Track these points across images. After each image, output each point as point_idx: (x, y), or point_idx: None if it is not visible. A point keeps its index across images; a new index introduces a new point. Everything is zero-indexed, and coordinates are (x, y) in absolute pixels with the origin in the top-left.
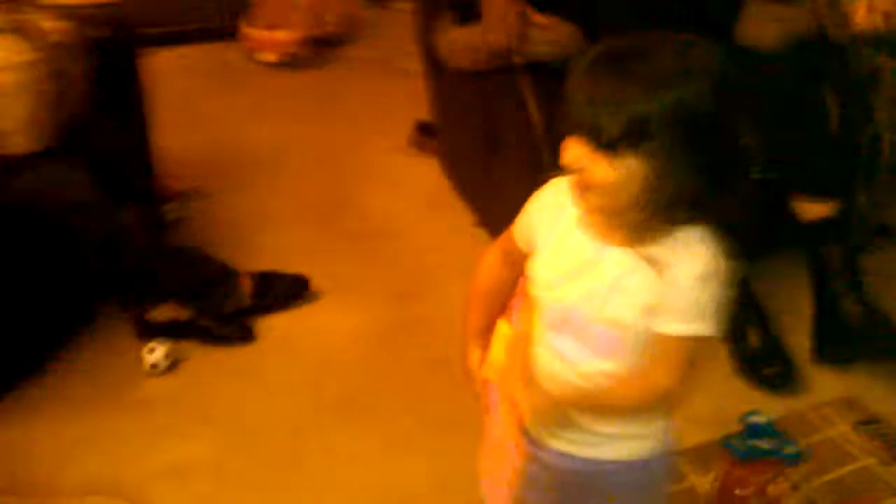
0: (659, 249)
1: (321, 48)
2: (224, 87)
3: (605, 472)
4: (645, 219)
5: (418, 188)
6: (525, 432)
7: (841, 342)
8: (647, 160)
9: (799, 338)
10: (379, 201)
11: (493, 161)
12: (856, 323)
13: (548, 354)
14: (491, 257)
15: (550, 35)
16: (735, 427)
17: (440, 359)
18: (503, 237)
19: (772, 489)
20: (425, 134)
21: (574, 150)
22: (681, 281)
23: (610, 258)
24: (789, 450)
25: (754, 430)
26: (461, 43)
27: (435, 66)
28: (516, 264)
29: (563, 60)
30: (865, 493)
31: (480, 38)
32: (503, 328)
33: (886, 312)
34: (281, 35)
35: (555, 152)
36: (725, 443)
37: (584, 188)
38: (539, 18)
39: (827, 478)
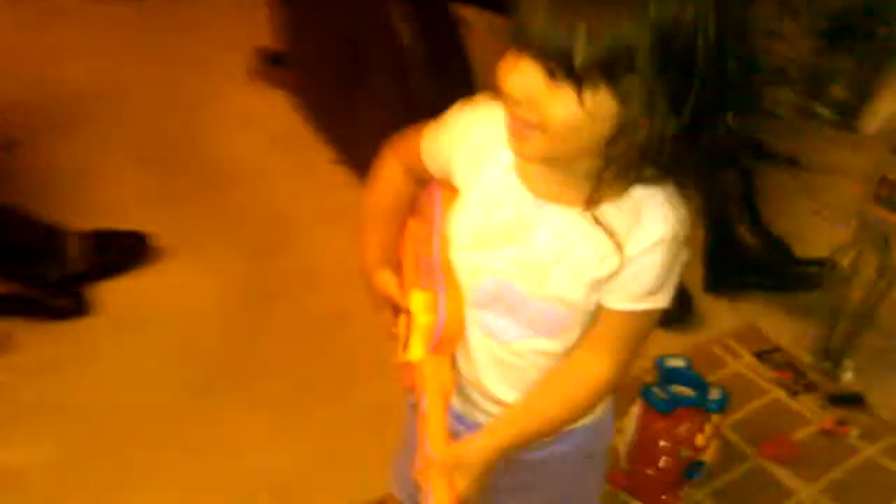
0: (613, 211)
1: None
2: (36, 20)
3: (547, 445)
4: (602, 173)
5: (267, 125)
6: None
7: (736, 271)
8: (624, 97)
9: (691, 268)
10: (224, 142)
11: (356, 86)
12: (752, 251)
13: (474, 331)
14: (389, 170)
15: None
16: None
17: (315, 316)
18: (404, 150)
19: (699, 439)
20: (271, 63)
21: (525, 77)
22: (639, 251)
23: (554, 220)
24: (714, 395)
25: (672, 376)
26: None
27: None
28: (420, 179)
29: None
30: (779, 427)
31: None
32: (415, 306)
33: (782, 239)
34: None
35: (429, 76)
36: (644, 393)
37: (529, 127)
38: None
39: (738, 415)
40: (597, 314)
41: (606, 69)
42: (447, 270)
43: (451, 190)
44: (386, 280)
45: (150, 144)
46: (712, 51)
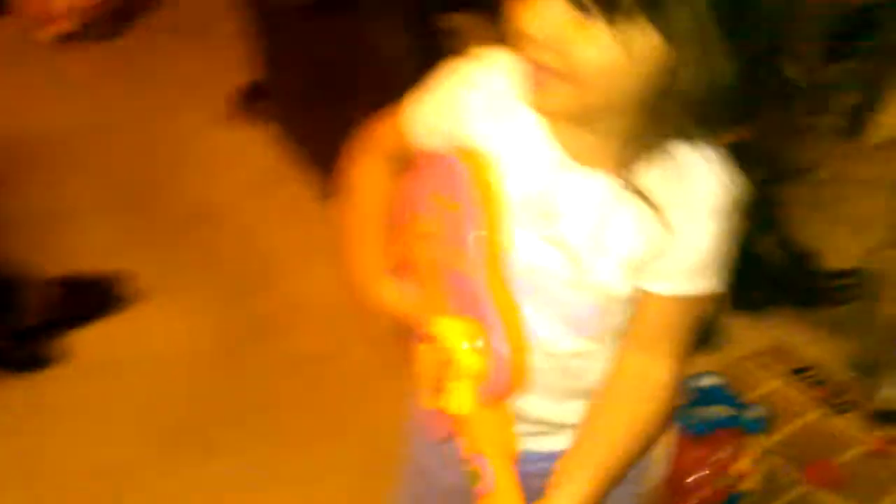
0: (654, 175)
1: (116, 17)
2: (4, 63)
3: None
4: (640, 130)
5: (249, 162)
6: None
7: (761, 287)
8: (672, 35)
9: None
10: (203, 182)
11: (345, 113)
12: (776, 265)
13: None
14: (369, 167)
15: None
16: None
17: (298, 361)
18: (383, 139)
19: (740, 464)
20: (252, 98)
21: (551, 14)
22: (688, 221)
23: (586, 187)
24: (753, 413)
25: (705, 397)
26: None
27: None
28: (406, 166)
29: None
30: (824, 449)
31: None
32: (454, 331)
33: (807, 251)
34: (63, 3)
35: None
36: (677, 417)
37: (555, 76)
38: None
39: (777, 438)
40: (640, 305)
41: (653, 6)
42: (499, 289)
43: (475, 159)
44: (396, 293)
45: (125, 186)
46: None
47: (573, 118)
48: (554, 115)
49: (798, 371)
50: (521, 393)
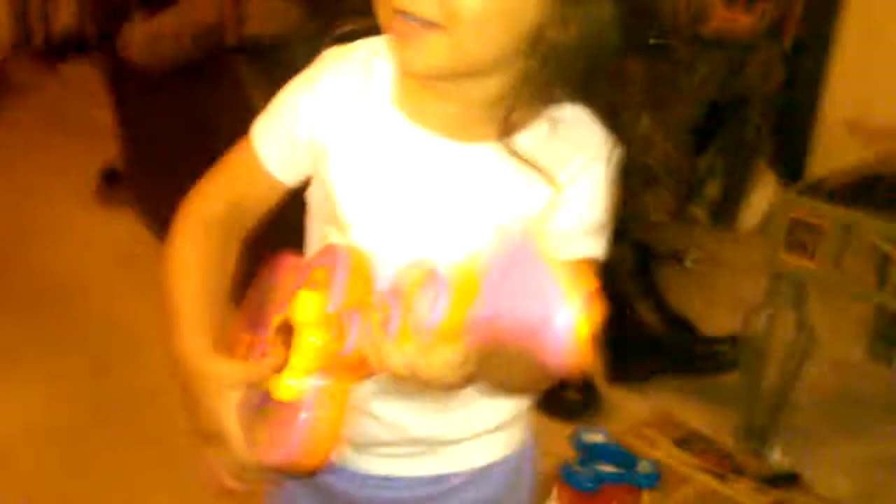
0: (530, 138)
1: None
2: None
3: (453, 491)
4: (520, 83)
5: (111, 243)
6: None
7: (641, 356)
8: None
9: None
10: (64, 258)
11: None
12: (655, 331)
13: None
14: (204, 214)
15: (266, 9)
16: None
17: (160, 443)
18: (226, 178)
19: None
20: (111, 182)
21: None
22: (576, 186)
23: (469, 162)
24: (644, 468)
25: (593, 452)
26: (159, 32)
27: (119, 87)
28: (247, 215)
29: (284, 40)
30: None
31: (186, 19)
32: (294, 308)
33: (685, 319)
34: None
35: None
36: (564, 475)
37: (428, 27)
38: None
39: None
40: None
41: None
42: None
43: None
44: (223, 366)
45: None
46: None
47: (446, 76)
48: (425, 71)
49: (683, 440)
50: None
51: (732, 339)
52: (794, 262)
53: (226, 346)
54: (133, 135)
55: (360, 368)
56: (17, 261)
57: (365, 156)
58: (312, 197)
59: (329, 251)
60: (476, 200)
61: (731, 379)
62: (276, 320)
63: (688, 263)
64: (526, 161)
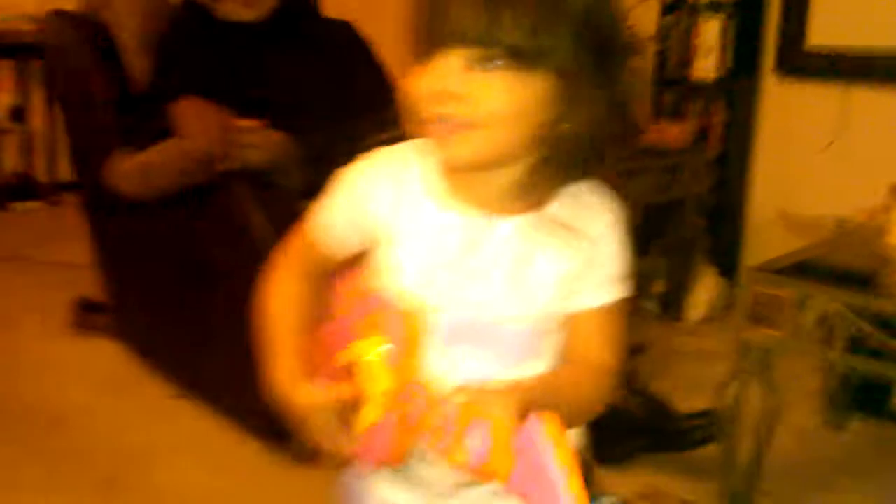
0: (558, 207)
1: None
2: None
3: None
4: (538, 168)
5: (94, 370)
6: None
7: (622, 437)
8: (557, 78)
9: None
10: (50, 390)
11: (201, 305)
12: (633, 413)
13: (443, 375)
14: (285, 277)
15: (256, 138)
16: None
17: None
18: (295, 251)
19: None
20: (89, 310)
21: (450, 69)
22: (598, 235)
23: (506, 233)
24: None
25: None
26: (151, 164)
27: (100, 222)
28: (321, 278)
29: (273, 167)
30: None
31: (176, 151)
32: (359, 349)
33: (664, 399)
34: None
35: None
36: None
37: (460, 126)
38: (241, 122)
39: None
40: (574, 327)
41: (538, 47)
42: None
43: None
44: (314, 394)
45: None
46: (621, 33)
47: (480, 163)
48: (462, 162)
49: None
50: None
51: (706, 414)
52: (759, 332)
53: (309, 368)
54: (115, 265)
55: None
56: (4, 393)
57: (413, 241)
58: (368, 261)
59: (383, 302)
60: (516, 266)
61: (708, 451)
62: (344, 355)
63: (647, 353)
64: (559, 226)
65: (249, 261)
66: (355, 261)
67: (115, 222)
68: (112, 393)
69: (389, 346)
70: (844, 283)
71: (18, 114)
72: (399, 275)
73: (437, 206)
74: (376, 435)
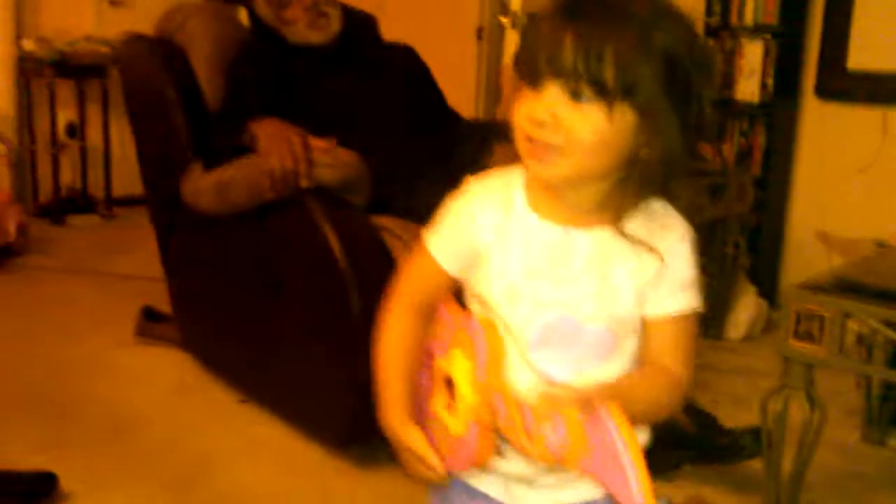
0: (634, 223)
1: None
2: None
3: None
4: (621, 190)
5: (162, 377)
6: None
7: (669, 448)
8: (643, 112)
9: None
10: (119, 395)
11: (268, 315)
12: (681, 426)
13: (530, 381)
14: (398, 309)
15: (329, 157)
16: None
17: None
18: (409, 280)
19: None
20: (153, 320)
21: (551, 100)
22: (670, 255)
23: (590, 243)
24: None
25: None
26: (232, 180)
27: (168, 235)
28: (431, 305)
29: (343, 185)
30: None
31: (254, 169)
32: (449, 364)
33: (710, 412)
34: None
35: (359, 281)
36: None
37: (551, 150)
38: (318, 142)
39: None
40: (648, 332)
41: (628, 87)
42: (466, 315)
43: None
44: (414, 437)
45: (42, 400)
46: (697, 67)
47: (565, 182)
48: (550, 181)
49: None
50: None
51: (753, 430)
52: (801, 348)
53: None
54: (182, 277)
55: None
56: (73, 399)
57: (510, 249)
58: (468, 280)
59: (468, 321)
60: (598, 272)
61: (753, 465)
62: (439, 367)
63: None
64: (631, 238)
65: (319, 274)
66: (458, 288)
67: (183, 236)
68: (178, 398)
69: (474, 362)
70: (884, 300)
71: (74, 130)
72: (495, 282)
73: (531, 218)
74: (462, 445)
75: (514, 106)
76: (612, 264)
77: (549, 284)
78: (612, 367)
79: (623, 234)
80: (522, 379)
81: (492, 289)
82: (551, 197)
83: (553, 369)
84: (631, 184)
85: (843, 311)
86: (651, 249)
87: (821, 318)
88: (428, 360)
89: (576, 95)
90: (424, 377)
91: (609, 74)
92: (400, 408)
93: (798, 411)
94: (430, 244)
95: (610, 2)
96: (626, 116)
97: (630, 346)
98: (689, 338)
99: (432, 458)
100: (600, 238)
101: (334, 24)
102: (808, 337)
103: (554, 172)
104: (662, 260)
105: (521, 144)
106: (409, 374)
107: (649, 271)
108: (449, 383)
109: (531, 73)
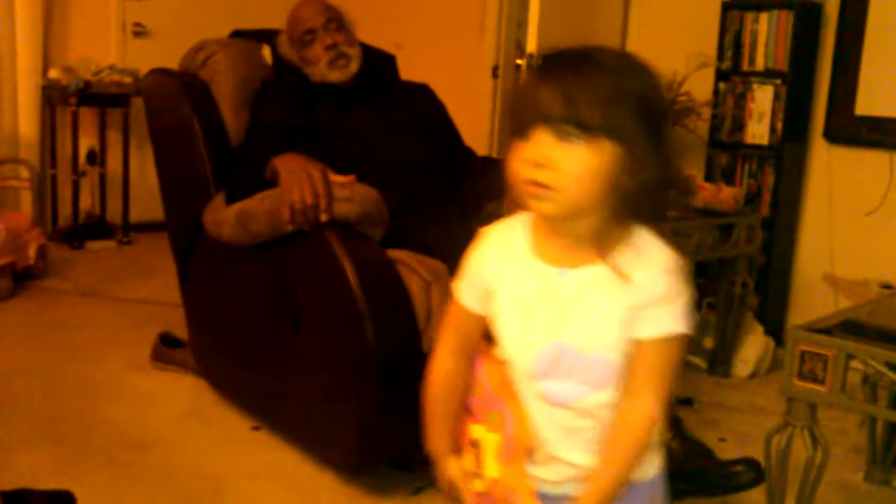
0: (622, 258)
1: (18, 281)
2: None
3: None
4: (608, 219)
5: (177, 401)
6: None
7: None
8: (622, 144)
9: None
10: (134, 417)
11: (284, 344)
12: (678, 458)
13: (539, 407)
14: (440, 360)
15: (349, 192)
16: None
17: None
18: (447, 323)
19: None
20: (169, 345)
21: (543, 143)
22: (651, 283)
23: (582, 279)
24: None
25: None
26: (255, 212)
27: (188, 262)
28: (470, 344)
29: (361, 219)
30: None
31: (277, 202)
32: (480, 433)
33: (707, 445)
34: None
35: (374, 313)
36: None
37: (546, 188)
38: (337, 177)
39: None
40: (631, 356)
41: (607, 122)
42: (502, 390)
43: (490, 355)
44: (452, 468)
45: (58, 422)
46: (665, 108)
47: (564, 217)
48: (547, 214)
49: None
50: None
51: (748, 461)
52: (805, 388)
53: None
54: (199, 304)
55: None
56: (89, 420)
57: (514, 289)
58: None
59: (500, 402)
60: (590, 305)
61: (750, 497)
62: (470, 433)
63: (695, 406)
64: (621, 271)
65: (335, 305)
66: (491, 336)
67: (202, 263)
68: (192, 423)
69: (502, 440)
70: (887, 342)
71: (95, 157)
72: (502, 318)
73: (531, 260)
74: (483, 499)
75: (507, 159)
76: (603, 297)
77: (547, 319)
78: (613, 392)
79: (612, 266)
80: (530, 405)
81: (499, 324)
82: (550, 239)
83: (558, 395)
84: (617, 215)
85: (846, 352)
86: (635, 280)
87: (824, 359)
88: (464, 413)
89: (562, 136)
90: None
91: (589, 113)
92: (442, 440)
93: (801, 449)
94: (457, 291)
95: (582, 57)
96: (607, 149)
97: (624, 369)
98: (669, 360)
99: (463, 489)
100: (592, 274)
101: (354, 65)
102: (811, 376)
103: (549, 208)
104: (642, 288)
105: (520, 188)
106: (451, 411)
107: (634, 299)
108: (475, 446)
109: (521, 126)
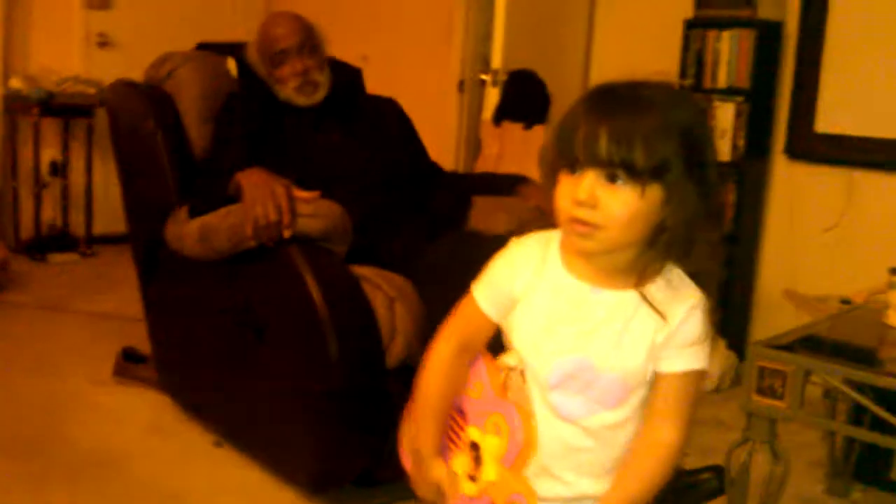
0: (654, 288)
1: None
2: None
3: None
4: (648, 256)
5: (138, 416)
6: None
7: None
8: (665, 189)
9: None
10: (96, 433)
11: (247, 359)
12: None
13: (545, 416)
14: (443, 351)
15: (312, 208)
16: None
17: None
18: (456, 323)
19: None
20: (131, 361)
21: (591, 184)
22: (684, 323)
23: (616, 301)
24: None
25: None
26: (217, 227)
27: (150, 277)
28: (473, 344)
29: (324, 235)
30: None
31: (240, 217)
32: (478, 436)
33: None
34: None
35: (337, 329)
36: None
37: (591, 227)
38: (301, 193)
39: None
40: (656, 385)
41: (656, 168)
42: (509, 396)
43: (492, 361)
44: (440, 471)
45: (16, 437)
46: (710, 146)
47: (605, 253)
48: (589, 253)
49: None
50: (529, 459)
51: (714, 469)
52: (765, 403)
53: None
54: (162, 318)
55: None
56: (50, 436)
57: (541, 298)
58: (505, 325)
59: (508, 407)
60: (617, 328)
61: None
62: (469, 435)
63: None
64: (648, 303)
65: (298, 321)
66: (497, 342)
67: (165, 277)
68: (154, 439)
69: (506, 445)
70: (846, 358)
71: (57, 169)
72: (525, 327)
73: (562, 274)
74: (471, 502)
75: (555, 190)
76: (631, 323)
77: (572, 333)
78: (621, 413)
79: (644, 297)
80: (540, 414)
81: (521, 333)
82: (583, 260)
83: (567, 408)
84: (655, 250)
85: (804, 368)
86: (664, 315)
87: (783, 375)
88: (456, 414)
89: (612, 179)
90: (448, 428)
91: (639, 159)
92: (431, 439)
93: (762, 463)
94: (476, 292)
95: (635, 95)
96: (654, 193)
97: (639, 395)
98: (690, 393)
99: (450, 491)
100: (623, 298)
101: (321, 92)
102: (771, 392)
103: (590, 246)
104: (675, 325)
105: (564, 222)
106: (445, 410)
107: (662, 333)
108: (474, 449)
109: (571, 161)
